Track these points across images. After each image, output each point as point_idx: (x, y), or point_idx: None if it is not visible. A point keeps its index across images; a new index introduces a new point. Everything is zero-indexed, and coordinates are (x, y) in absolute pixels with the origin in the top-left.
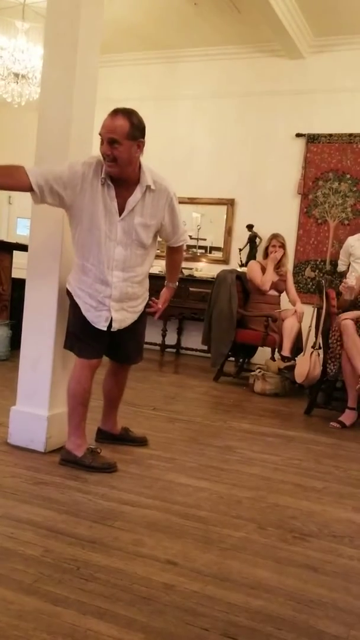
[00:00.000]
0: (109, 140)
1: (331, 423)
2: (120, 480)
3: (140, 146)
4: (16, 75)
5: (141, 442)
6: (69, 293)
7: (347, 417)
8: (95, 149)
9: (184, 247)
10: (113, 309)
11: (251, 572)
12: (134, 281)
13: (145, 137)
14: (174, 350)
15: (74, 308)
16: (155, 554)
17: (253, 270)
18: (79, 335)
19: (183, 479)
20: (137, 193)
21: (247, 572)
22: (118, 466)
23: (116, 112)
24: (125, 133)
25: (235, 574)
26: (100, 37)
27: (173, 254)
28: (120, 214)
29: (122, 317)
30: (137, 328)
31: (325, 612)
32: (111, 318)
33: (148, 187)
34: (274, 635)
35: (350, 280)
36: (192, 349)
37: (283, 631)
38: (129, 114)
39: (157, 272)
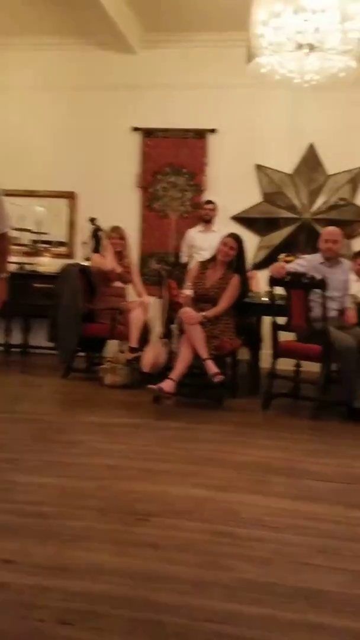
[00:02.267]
0: None
1: (150, 385)
2: None
3: None
4: None
5: None
6: None
7: (167, 385)
8: None
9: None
10: None
11: (91, 559)
12: None
13: None
14: (21, 349)
15: None
16: None
17: (96, 260)
18: None
19: (25, 477)
20: None
21: (88, 559)
22: None
23: None
24: None
25: (75, 562)
26: None
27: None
28: None
29: None
30: None
31: (162, 585)
32: None
33: None
34: (110, 614)
35: (187, 291)
36: (40, 347)
37: (119, 609)
38: None
39: None
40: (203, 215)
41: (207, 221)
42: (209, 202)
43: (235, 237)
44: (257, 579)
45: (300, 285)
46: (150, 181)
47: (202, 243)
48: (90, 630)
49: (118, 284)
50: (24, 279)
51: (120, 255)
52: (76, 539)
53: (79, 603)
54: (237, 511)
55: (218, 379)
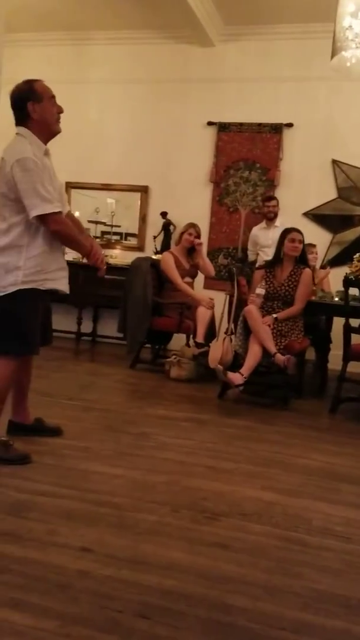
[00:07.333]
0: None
1: (218, 367)
2: (34, 471)
3: None
4: None
5: (55, 432)
6: (26, 291)
7: (235, 377)
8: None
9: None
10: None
11: (164, 554)
12: None
13: None
14: (90, 338)
15: (32, 303)
16: (70, 543)
17: (167, 265)
18: (34, 331)
19: (98, 467)
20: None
21: (161, 554)
22: (32, 457)
23: None
24: None
25: (149, 556)
26: (3, 16)
27: None
28: None
29: None
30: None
31: (234, 587)
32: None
33: None
34: (185, 612)
35: (259, 290)
36: (108, 337)
37: (195, 608)
38: None
39: None
40: (266, 213)
41: (270, 218)
42: (272, 198)
43: (300, 232)
44: (330, 590)
45: None
46: (222, 176)
47: (264, 240)
48: (167, 627)
49: (187, 279)
50: (95, 270)
51: (195, 253)
52: (149, 533)
53: (155, 598)
54: (307, 518)
55: (292, 370)
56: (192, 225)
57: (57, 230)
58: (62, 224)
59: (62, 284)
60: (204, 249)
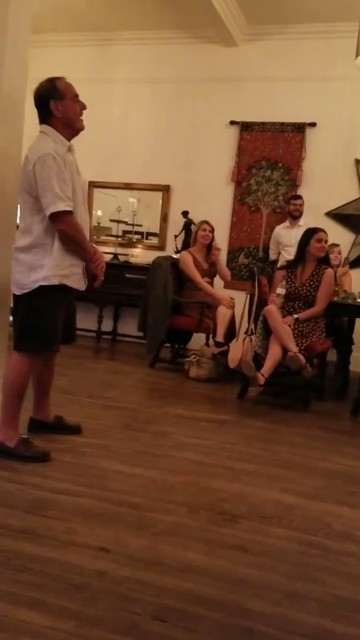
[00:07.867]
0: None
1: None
2: (54, 469)
3: None
4: None
5: (75, 430)
6: (45, 287)
7: (256, 377)
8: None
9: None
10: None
11: (182, 555)
12: None
13: None
14: (110, 336)
15: (53, 300)
16: (87, 542)
17: (186, 263)
18: (54, 328)
19: (117, 466)
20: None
21: (179, 555)
22: (52, 455)
23: None
24: None
25: (166, 557)
26: (31, 17)
27: None
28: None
29: None
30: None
31: (253, 591)
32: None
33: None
34: (203, 615)
35: (280, 289)
36: (128, 336)
37: (212, 611)
38: None
39: None
40: (292, 211)
41: (295, 217)
42: (299, 197)
43: (325, 232)
44: (351, 596)
45: None
46: (244, 175)
47: (287, 240)
48: (184, 630)
49: (205, 279)
50: (116, 269)
51: (210, 251)
52: (167, 534)
53: (172, 601)
54: (327, 522)
55: (308, 373)
56: (204, 222)
57: (62, 229)
58: (69, 225)
59: (75, 281)
60: (224, 250)
